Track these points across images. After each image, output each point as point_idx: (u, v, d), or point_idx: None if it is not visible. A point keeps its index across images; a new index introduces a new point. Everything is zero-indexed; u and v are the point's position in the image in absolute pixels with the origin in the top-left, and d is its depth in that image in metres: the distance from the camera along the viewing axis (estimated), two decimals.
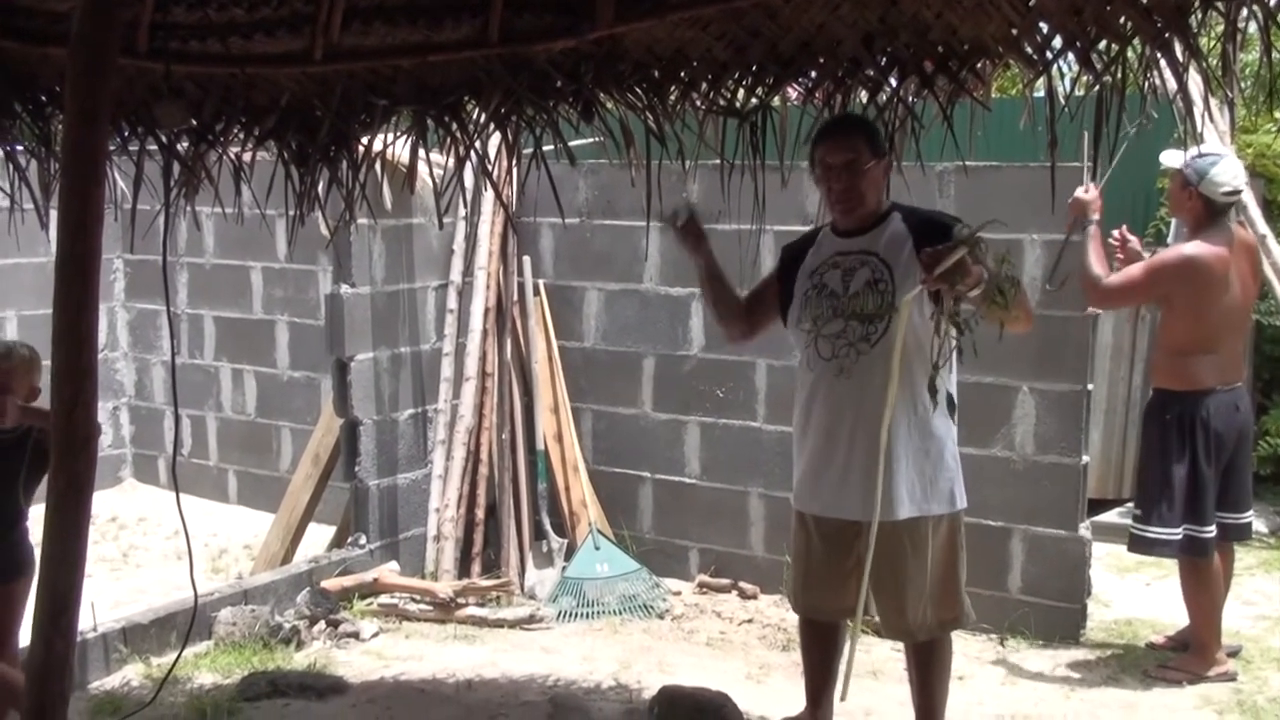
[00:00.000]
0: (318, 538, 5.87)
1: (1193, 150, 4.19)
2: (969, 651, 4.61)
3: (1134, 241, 4.68)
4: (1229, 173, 4.30)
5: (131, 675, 4.51)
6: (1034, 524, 4.82)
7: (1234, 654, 4.55)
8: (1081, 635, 4.80)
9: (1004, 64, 3.25)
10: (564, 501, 5.67)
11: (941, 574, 3.49)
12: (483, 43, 3.24)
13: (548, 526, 5.60)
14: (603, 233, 5.66)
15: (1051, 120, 2.94)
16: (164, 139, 3.57)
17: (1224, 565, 4.51)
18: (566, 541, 5.58)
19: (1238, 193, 4.43)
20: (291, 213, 3.87)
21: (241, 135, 3.64)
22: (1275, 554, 5.79)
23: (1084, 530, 4.80)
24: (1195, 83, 2.97)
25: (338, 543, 5.66)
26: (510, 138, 3.71)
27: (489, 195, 5.53)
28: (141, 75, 3.30)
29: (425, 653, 4.84)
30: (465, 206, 5.54)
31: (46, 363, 2.74)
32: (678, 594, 5.40)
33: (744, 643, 4.89)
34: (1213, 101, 4.98)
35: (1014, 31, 2.93)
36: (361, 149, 3.81)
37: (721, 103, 3.42)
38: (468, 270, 5.71)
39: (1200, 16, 2.74)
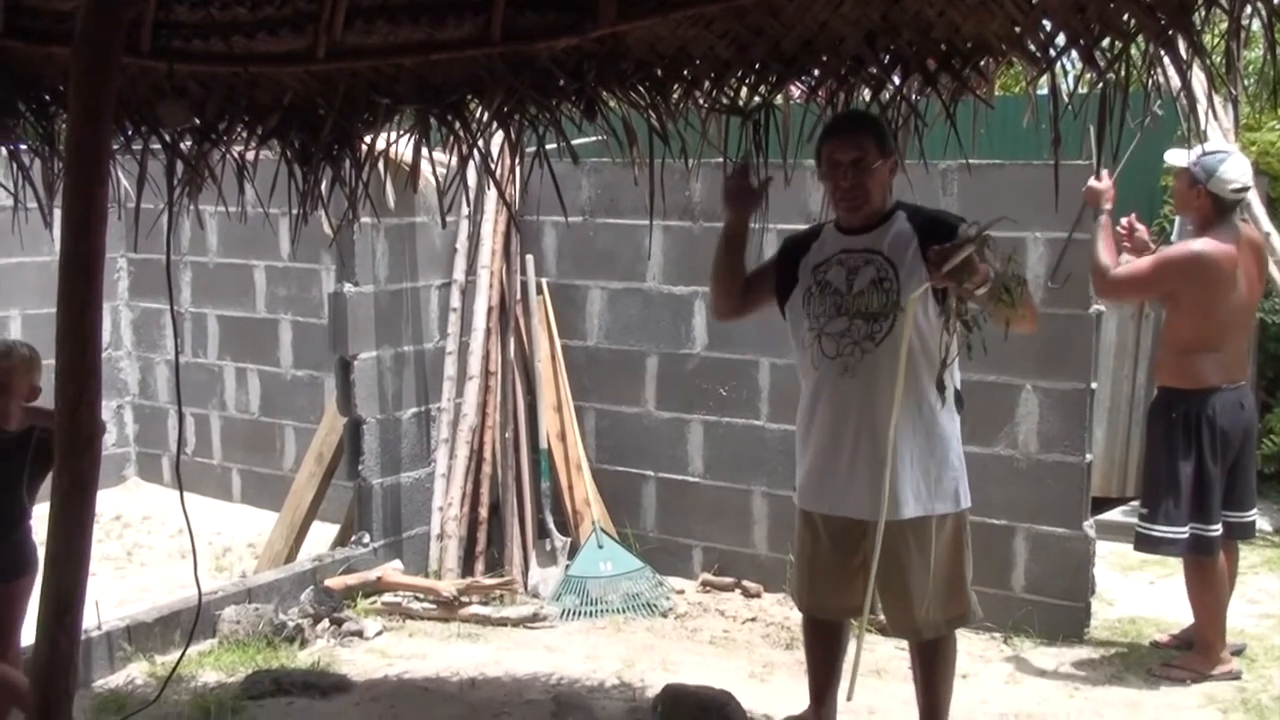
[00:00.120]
0: (321, 536, 5.88)
1: (1198, 148, 4.19)
2: (973, 650, 4.61)
3: (1142, 231, 4.66)
4: (1237, 169, 4.30)
5: (136, 673, 4.52)
6: (1038, 522, 4.82)
7: (1238, 652, 4.55)
8: (1085, 634, 4.79)
9: (1007, 61, 3.25)
10: (567, 500, 5.67)
11: (947, 572, 3.49)
12: (485, 41, 3.24)
13: (551, 525, 5.61)
14: (606, 231, 5.66)
15: (1055, 118, 2.94)
16: (167, 138, 3.57)
17: (1229, 564, 4.50)
18: (570, 540, 5.58)
19: (1246, 189, 4.42)
20: (295, 211, 3.88)
21: (245, 134, 3.64)
22: (1279, 552, 5.79)
23: (1088, 529, 4.80)
24: (1199, 80, 2.96)
25: (341, 541, 5.67)
26: (513, 136, 3.70)
27: (492, 194, 5.53)
28: (145, 74, 3.30)
29: (429, 651, 4.84)
30: (468, 205, 5.54)
31: (49, 361, 2.75)
32: (681, 592, 5.40)
33: (747, 641, 4.89)
34: (1216, 99, 5.01)
35: (1017, 29, 2.93)
36: (364, 148, 3.81)
37: (724, 101, 3.41)
38: (471, 269, 5.71)
39: (1204, 13, 2.73)
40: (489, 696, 4.37)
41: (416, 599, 5.19)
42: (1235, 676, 4.39)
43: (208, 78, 3.38)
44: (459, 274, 5.72)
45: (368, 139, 3.77)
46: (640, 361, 5.65)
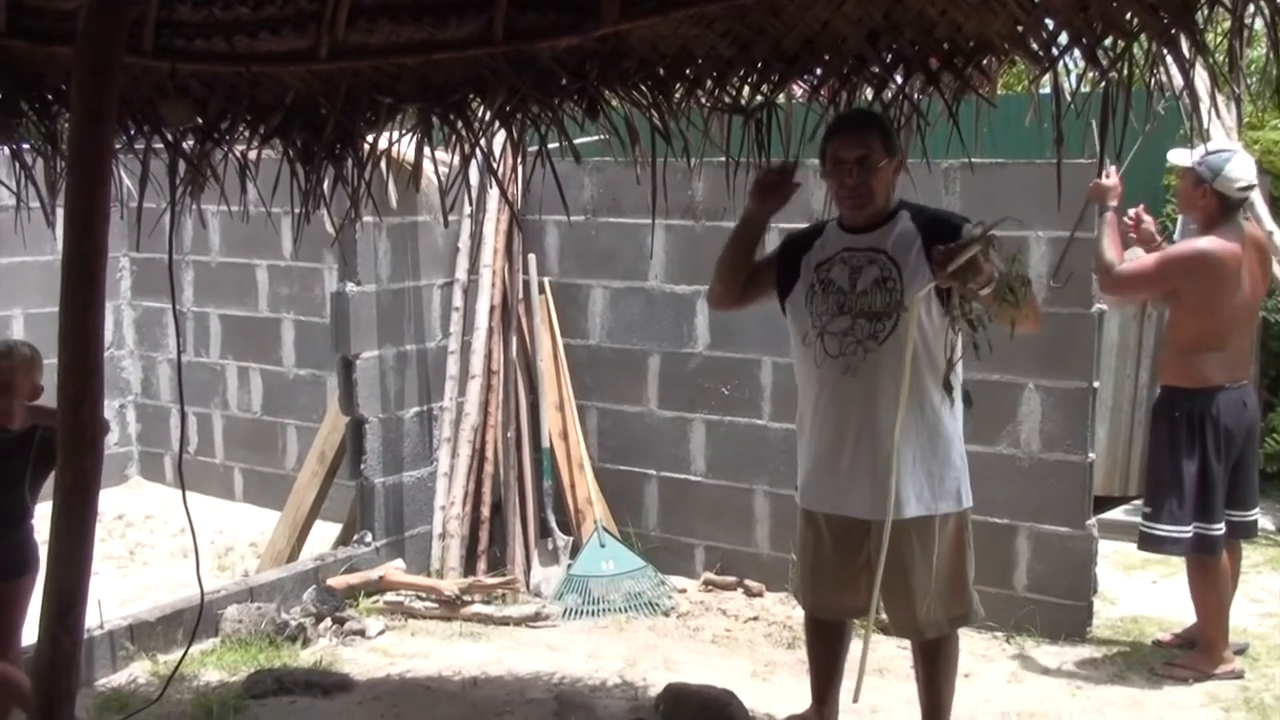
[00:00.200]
0: (323, 535, 5.88)
1: (1201, 147, 4.18)
2: (975, 649, 4.60)
3: (1149, 222, 4.64)
4: (1242, 168, 4.29)
5: (138, 672, 4.52)
6: (1040, 521, 4.81)
7: (1240, 652, 4.55)
8: (1088, 633, 4.79)
9: (1009, 60, 3.25)
10: (569, 499, 5.67)
11: (950, 572, 3.49)
12: (487, 40, 3.24)
13: (553, 524, 5.61)
14: (608, 230, 5.66)
15: (1057, 117, 2.94)
16: (170, 137, 3.58)
17: (1231, 563, 4.50)
18: (572, 539, 5.59)
19: (1252, 187, 4.42)
20: (297, 211, 3.88)
21: (247, 133, 3.64)
22: None
23: (1090, 528, 4.80)
24: (1201, 79, 2.96)
25: (343, 540, 5.67)
26: (515, 135, 3.70)
27: (494, 193, 5.53)
28: (147, 74, 3.30)
29: (431, 650, 4.84)
30: (470, 204, 5.54)
31: (50, 361, 2.75)
32: (683, 591, 5.40)
33: (749, 640, 4.89)
34: (1219, 97, 5.01)
35: (1019, 28, 2.93)
36: (367, 147, 3.81)
37: (726, 100, 3.41)
38: (473, 268, 5.71)
39: (1206, 12, 2.73)
40: (491, 695, 4.37)
41: (419, 598, 5.19)
42: (1238, 676, 4.39)
43: (210, 77, 3.38)
44: (461, 273, 5.72)
45: (370, 138, 3.77)
46: (642, 360, 5.65)
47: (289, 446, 6.99)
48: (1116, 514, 6.03)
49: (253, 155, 3.75)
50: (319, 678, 4.44)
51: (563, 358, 5.77)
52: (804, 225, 3.78)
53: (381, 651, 4.82)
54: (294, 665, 4.57)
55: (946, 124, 3.18)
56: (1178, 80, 2.86)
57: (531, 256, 5.77)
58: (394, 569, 5.35)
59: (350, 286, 5.40)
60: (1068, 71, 3.01)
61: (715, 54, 3.26)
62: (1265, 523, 5.59)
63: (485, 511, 5.59)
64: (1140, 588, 5.41)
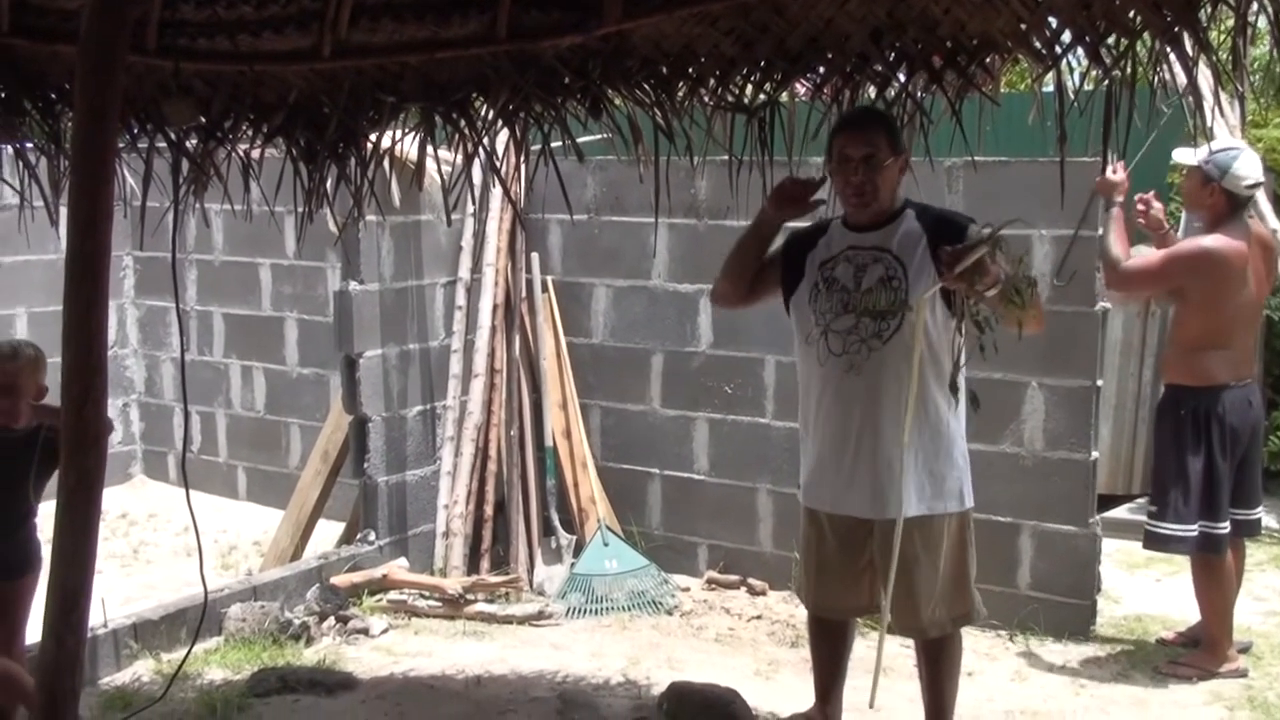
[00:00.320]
0: (327, 534, 5.88)
1: (1205, 146, 4.17)
2: (979, 648, 4.60)
3: (1159, 209, 4.61)
4: (1250, 165, 4.29)
5: (142, 671, 4.53)
6: (1044, 520, 4.81)
7: (1245, 650, 4.54)
8: (1091, 631, 4.79)
9: (1013, 59, 3.24)
10: (573, 498, 5.67)
11: (952, 571, 3.48)
12: (490, 39, 3.24)
13: (556, 523, 5.61)
14: (611, 229, 5.66)
15: (1060, 115, 2.93)
16: (173, 136, 3.58)
17: (1235, 561, 4.50)
18: (575, 538, 5.59)
19: (1259, 185, 4.42)
20: (300, 210, 3.88)
21: (250, 132, 3.65)
22: None
23: (1094, 526, 4.79)
24: (1205, 77, 2.96)
25: (347, 539, 5.68)
26: (518, 134, 3.70)
27: (497, 192, 5.53)
28: (150, 73, 3.30)
29: (434, 649, 4.84)
30: (473, 203, 5.54)
31: (54, 359, 2.75)
32: (686, 590, 5.40)
33: (753, 639, 4.89)
34: (1223, 96, 5.00)
35: (1023, 26, 2.92)
36: (370, 146, 3.81)
37: (729, 99, 3.41)
38: (476, 267, 5.71)
39: (1210, 10, 2.73)
40: (494, 694, 4.37)
41: (422, 597, 5.19)
42: (1242, 674, 4.39)
43: (213, 76, 3.38)
44: (464, 272, 5.72)
45: (373, 137, 3.78)
46: (645, 359, 5.65)
47: (292, 445, 7.00)
48: (1120, 512, 6.03)
49: (256, 154, 3.76)
50: (322, 676, 4.45)
51: (566, 356, 5.77)
52: (808, 223, 3.78)
53: (385, 650, 4.82)
54: (297, 664, 4.57)
55: (950, 122, 3.18)
56: (1181, 78, 2.86)
57: (534, 255, 5.77)
58: (397, 568, 5.35)
59: (353, 285, 5.40)
60: (1071, 70, 3.01)
61: (718, 52, 3.26)
62: (1269, 521, 5.58)
63: (488, 510, 5.59)
64: (1144, 586, 5.40)
